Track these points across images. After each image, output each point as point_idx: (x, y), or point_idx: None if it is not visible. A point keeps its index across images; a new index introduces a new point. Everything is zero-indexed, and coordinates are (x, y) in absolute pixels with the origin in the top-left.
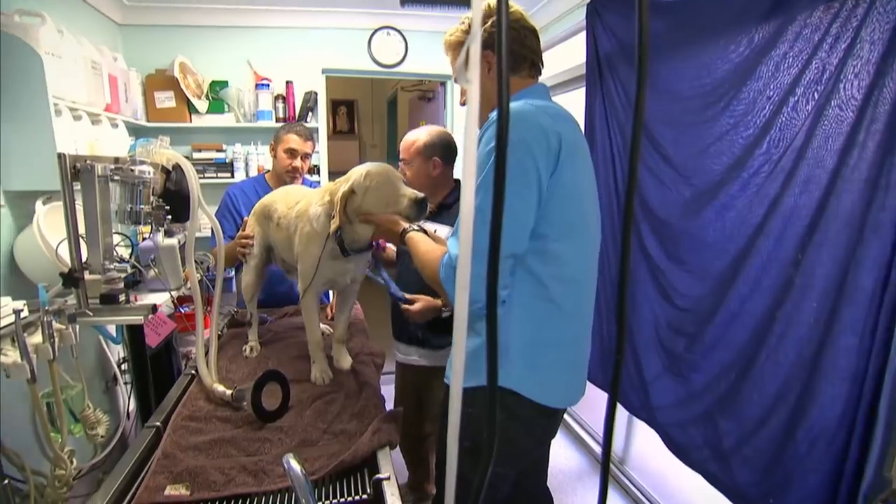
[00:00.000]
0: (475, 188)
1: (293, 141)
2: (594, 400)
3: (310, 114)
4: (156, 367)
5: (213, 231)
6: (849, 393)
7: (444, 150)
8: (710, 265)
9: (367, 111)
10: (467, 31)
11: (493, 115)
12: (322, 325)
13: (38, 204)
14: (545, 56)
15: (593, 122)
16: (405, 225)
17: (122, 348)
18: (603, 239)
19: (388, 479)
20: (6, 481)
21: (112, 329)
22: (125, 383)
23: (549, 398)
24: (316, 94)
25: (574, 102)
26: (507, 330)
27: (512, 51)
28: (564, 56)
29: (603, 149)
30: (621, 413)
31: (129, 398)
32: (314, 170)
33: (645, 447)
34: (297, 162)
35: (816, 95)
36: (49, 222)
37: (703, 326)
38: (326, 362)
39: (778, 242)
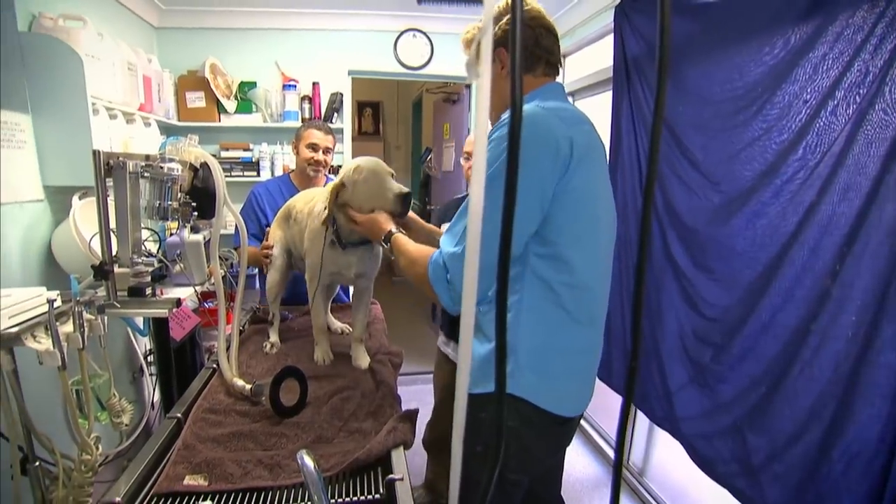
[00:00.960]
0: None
1: (314, 135)
2: (613, 408)
3: (335, 114)
4: (179, 360)
5: (237, 228)
6: (889, 412)
7: None
8: (739, 274)
9: (392, 113)
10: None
11: (505, 116)
12: (340, 324)
13: (75, 199)
14: (572, 58)
15: (620, 125)
16: (390, 227)
17: (148, 340)
18: (629, 245)
19: (402, 479)
20: (37, 464)
21: (140, 321)
22: (150, 374)
23: (560, 407)
24: (342, 95)
25: (600, 106)
26: (515, 335)
27: (526, 49)
28: (592, 59)
29: (629, 153)
30: (641, 422)
31: (154, 389)
32: (336, 170)
33: (665, 458)
34: (319, 155)
35: (858, 99)
36: (84, 216)
37: (731, 337)
38: (328, 345)
39: (814, 252)
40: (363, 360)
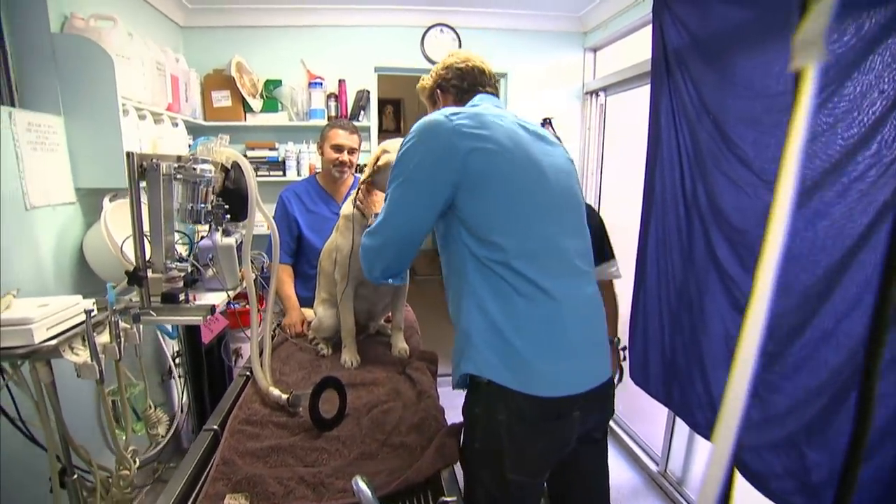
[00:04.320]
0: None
1: (339, 136)
2: (648, 411)
3: (362, 112)
4: (208, 363)
5: (270, 236)
6: None
7: None
8: (795, 278)
9: (413, 110)
10: (430, 77)
11: (414, 126)
12: (382, 322)
13: (105, 201)
14: (604, 53)
15: (659, 122)
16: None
17: (176, 342)
18: (668, 245)
19: (455, 501)
20: (75, 476)
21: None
22: (179, 376)
23: (532, 385)
24: (368, 92)
25: (634, 102)
26: (468, 319)
27: (454, 86)
28: (627, 52)
29: (669, 150)
30: (681, 429)
31: (183, 392)
32: (360, 168)
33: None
34: (344, 156)
35: None
36: (114, 219)
37: (785, 345)
38: (356, 347)
39: None
40: (401, 346)
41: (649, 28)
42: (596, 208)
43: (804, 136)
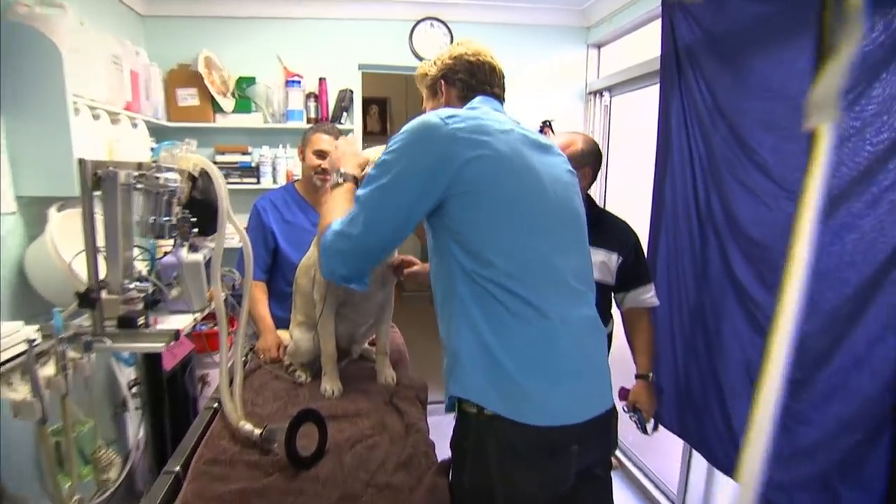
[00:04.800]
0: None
1: (322, 141)
2: (663, 445)
3: (345, 114)
4: (170, 392)
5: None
6: None
7: (597, 161)
8: (821, 297)
9: (400, 110)
10: (434, 65)
11: (405, 126)
12: (366, 346)
13: (52, 211)
14: (608, 50)
15: (669, 125)
16: (353, 173)
17: (133, 370)
18: (680, 261)
19: None
20: None
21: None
22: (136, 408)
23: (524, 412)
24: (351, 92)
25: (642, 103)
26: (458, 339)
27: (461, 80)
28: (634, 49)
29: (681, 155)
30: (698, 462)
31: (140, 427)
32: None
33: None
34: (327, 163)
35: None
36: (63, 231)
37: (814, 371)
38: (338, 374)
39: None
40: (388, 373)
41: (658, 23)
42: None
43: (821, 193)
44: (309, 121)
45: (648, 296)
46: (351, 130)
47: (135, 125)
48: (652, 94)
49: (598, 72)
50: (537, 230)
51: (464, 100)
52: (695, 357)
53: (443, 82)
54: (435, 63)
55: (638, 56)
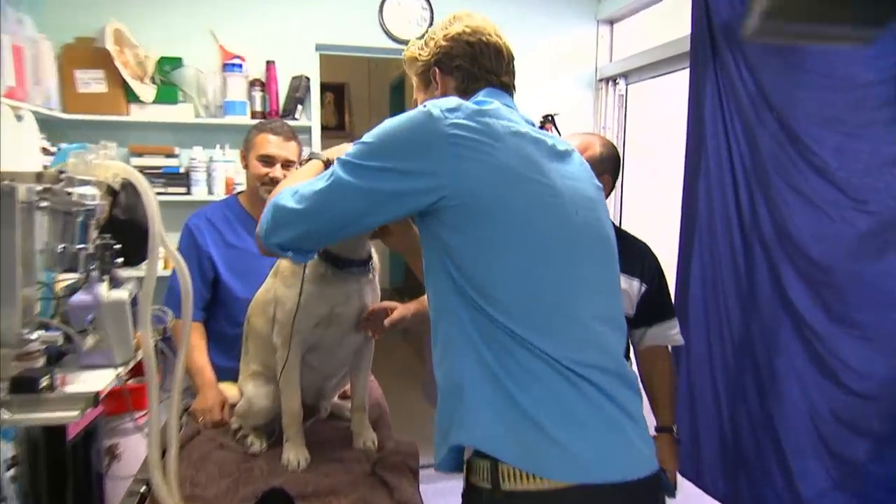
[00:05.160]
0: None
1: (269, 143)
2: None
3: (299, 106)
4: (62, 473)
5: (173, 276)
6: None
7: (617, 167)
8: None
9: (361, 99)
10: (425, 46)
11: (411, 112)
12: (337, 400)
13: None
14: (622, 27)
15: (702, 119)
16: (328, 156)
17: (12, 446)
18: (720, 284)
19: None
20: None
21: None
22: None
23: (552, 467)
24: (307, 79)
25: (667, 91)
26: (461, 367)
27: (460, 68)
28: (656, 26)
29: (717, 158)
30: None
31: None
32: None
33: None
34: (277, 171)
35: None
36: None
37: None
38: (303, 440)
39: None
40: (368, 435)
41: None
42: (649, 245)
43: None
44: (254, 115)
45: (674, 332)
46: (308, 128)
47: (19, 117)
48: (678, 81)
49: (611, 54)
50: (554, 261)
51: (464, 92)
52: (743, 402)
53: (437, 70)
54: (427, 44)
55: (661, 35)
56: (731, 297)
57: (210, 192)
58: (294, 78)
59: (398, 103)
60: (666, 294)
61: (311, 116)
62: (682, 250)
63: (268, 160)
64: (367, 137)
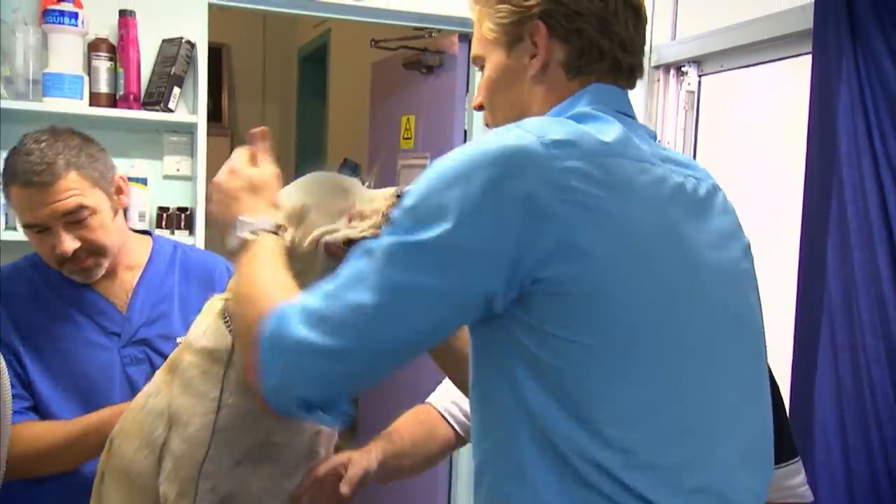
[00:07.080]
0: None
1: (24, 202)
2: None
3: (175, 89)
4: None
5: None
6: None
7: None
8: None
9: (250, 71)
10: None
11: (481, 141)
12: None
13: None
14: None
15: (832, 124)
16: (273, 220)
17: None
18: (855, 326)
19: None
20: None
21: None
22: None
23: None
24: (190, 44)
25: (764, 85)
26: None
27: (582, 32)
28: None
29: (850, 161)
30: None
31: None
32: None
33: None
34: (67, 242)
35: None
36: None
37: None
38: None
39: None
40: None
41: None
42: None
43: None
44: (92, 99)
45: (798, 480)
46: (192, 125)
47: None
48: (783, 71)
49: (674, 30)
50: (689, 376)
51: (570, 78)
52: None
53: (543, 27)
54: None
55: (754, 5)
56: (866, 334)
57: (6, 226)
58: (166, 42)
59: (314, 81)
60: (784, 429)
61: (198, 106)
62: (800, 316)
63: (39, 227)
64: (417, 196)
